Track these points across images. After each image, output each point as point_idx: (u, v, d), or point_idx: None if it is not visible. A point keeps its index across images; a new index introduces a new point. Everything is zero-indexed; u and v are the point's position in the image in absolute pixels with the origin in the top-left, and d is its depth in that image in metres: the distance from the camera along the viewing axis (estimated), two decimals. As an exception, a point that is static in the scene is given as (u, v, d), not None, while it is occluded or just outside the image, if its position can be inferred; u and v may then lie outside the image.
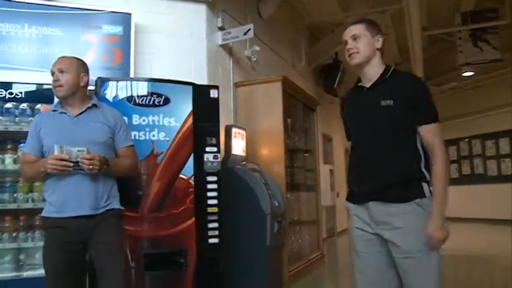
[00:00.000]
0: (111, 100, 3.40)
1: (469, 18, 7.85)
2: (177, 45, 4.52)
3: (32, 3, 3.93)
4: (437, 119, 2.24)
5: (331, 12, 7.74)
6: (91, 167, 2.41)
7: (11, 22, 3.87)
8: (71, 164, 2.40)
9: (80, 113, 2.61)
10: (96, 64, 4.01)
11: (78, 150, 2.41)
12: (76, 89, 2.61)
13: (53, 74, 2.60)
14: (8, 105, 3.45)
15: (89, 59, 3.91)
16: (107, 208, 2.60)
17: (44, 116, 2.73)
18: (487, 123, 11.31)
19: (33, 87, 3.56)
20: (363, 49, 2.29)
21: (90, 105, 2.65)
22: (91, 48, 4.07)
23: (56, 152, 2.40)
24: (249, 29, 4.79)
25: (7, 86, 3.50)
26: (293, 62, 7.45)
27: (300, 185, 6.26)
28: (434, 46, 9.90)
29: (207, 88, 3.78)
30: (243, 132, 4.87)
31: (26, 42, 3.90)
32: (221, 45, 4.99)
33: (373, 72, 2.32)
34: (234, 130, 4.67)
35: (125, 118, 2.95)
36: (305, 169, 6.55)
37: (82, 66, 2.69)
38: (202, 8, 4.69)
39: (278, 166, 5.07)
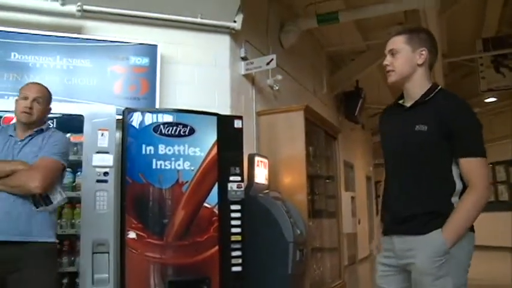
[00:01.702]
0: (137, 130, 3.50)
1: (491, 44, 7.85)
2: (201, 75, 4.62)
3: (63, 37, 4.07)
4: (482, 153, 2.01)
5: (352, 41, 7.84)
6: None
7: (44, 55, 4.01)
8: None
9: (25, 137, 2.59)
10: (123, 94, 4.16)
11: None
12: (41, 119, 2.64)
13: (25, 98, 2.57)
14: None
15: (116, 89, 4.13)
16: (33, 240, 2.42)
17: None
18: (510, 150, 11.20)
19: (62, 117, 3.67)
20: (399, 67, 2.12)
21: (37, 129, 2.62)
22: (118, 79, 4.19)
23: None
24: (272, 59, 4.88)
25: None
26: (314, 89, 7.53)
27: (322, 212, 6.25)
28: (455, 72, 9.91)
29: (231, 118, 3.87)
30: (266, 160, 4.91)
31: (56, 73, 4.02)
32: (244, 75, 5.08)
33: (415, 90, 2.13)
34: (257, 159, 4.72)
35: (67, 136, 3.00)
36: (327, 196, 6.54)
37: (50, 99, 2.71)
38: (226, 39, 4.80)
39: (300, 194, 5.09)
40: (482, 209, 1.99)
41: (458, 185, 2.02)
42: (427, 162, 2.06)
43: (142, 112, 3.59)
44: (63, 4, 4.14)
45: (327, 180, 6.66)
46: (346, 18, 6.13)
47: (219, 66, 4.75)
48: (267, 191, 4.84)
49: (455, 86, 9.99)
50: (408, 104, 2.17)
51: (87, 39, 4.17)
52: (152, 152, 3.47)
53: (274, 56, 4.89)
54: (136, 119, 3.55)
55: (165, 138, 3.52)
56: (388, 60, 2.16)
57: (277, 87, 5.69)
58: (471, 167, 1.99)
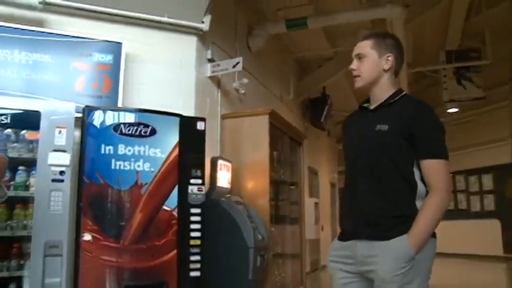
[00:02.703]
0: (97, 128, 3.40)
1: (454, 56, 8.04)
2: (167, 76, 4.54)
3: (23, 29, 3.90)
4: (443, 155, 2.00)
5: (320, 48, 7.87)
6: None
7: (1, 47, 3.82)
8: None
9: None
10: (85, 92, 4.03)
11: None
12: None
13: None
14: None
15: (78, 86, 4.00)
16: None
17: None
18: (470, 159, 11.48)
19: (18, 113, 3.53)
20: (366, 72, 2.12)
21: None
22: (80, 75, 4.06)
23: None
24: (238, 62, 4.83)
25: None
26: (281, 95, 7.52)
27: (285, 218, 6.24)
28: (420, 82, 10.10)
29: (194, 120, 3.80)
30: (229, 164, 4.86)
31: (15, 68, 3.86)
32: (210, 77, 5.01)
33: (381, 95, 2.13)
34: (220, 162, 4.66)
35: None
36: (290, 202, 6.53)
37: None
38: (192, 40, 4.73)
39: (263, 199, 5.05)
40: (444, 212, 1.99)
41: (421, 188, 2.01)
42: (389, 164, 2.02)
43: (103, 110, 3.49)
44: (23, -5, 4.00)
45: (291, 186, 6.65)
46: (315, 24, 6.14)
47: (184, 67, 4.67)
48: (229, 195, 4.79)
49: (420, 95, 10.03)
50: (372, 107, 2.18)
51: (49, 33, 4.01)
52: (111, 151, 3.38)
53: (240, 59, 4.85)
54: (96, 118, 3.45)
55: (125, 138, 3.43)
56: (354, 64, 2.16)
57: (243, 91, 5.65)
58: (432, 169, 1.98)
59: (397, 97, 2.12)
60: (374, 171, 2.06)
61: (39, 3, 4.02)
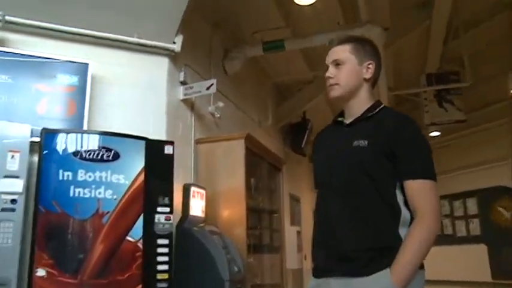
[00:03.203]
0: (55, 152, 3.15)
1: (434, 79, 8.00)
2: (136, 99, 4.31)
3: None
4: (430, 175, 1.77)
5: (299, 71, 7.73)
6: None
7: None
8: None
9: None
10: (48, 115, 3.76)
11: None
12: None
13: None
14: None
15: (40, 109, 3.75)
16: None
17: None
18: (454, 183, 11.36)
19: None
20: (345, 79, 1.89)
21: None
22: (43, 98, 3.81)
23: None
24: (212, 84, 4.63)
25: None
26: (259, 120, 7.33)
27: (264, 247, 5.98)
28: (401, 105, 10.01)
29: (161, 144, 3.56)
30: (203, 191, 4.61)
31: None
32: (183, 100, 4.80)
33: (358, 107, 1.92)
34: (193, 189, 4.41)
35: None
36: (270, 230, 6.29)
37: None
38: (164, 61, 4.53)
39: (239, 228, 4.79)
40: (433, 242, 1.72)
41: (405, 214, 1.76)
42: (369, 185, 1.78)
43: (62, 133, 3.24)
44: (-19, 11, 3.78)
45: (271, 214, 6.41)
46: (292, 46, 5.99)
47: (155, 89, 4.46)
48: (203, 224, 4.53)
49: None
50: (348, 122, 1.96)
51: (9, 52, 3.80)
52: (70, 178, 3.10)
53: (214, 81, 4.64)
54: (54, 141, 3.19)
55: (85, 163, 3.16)
56: (331, 72, 1.93)
57: (218, 115, 5.44)
58: (417, 191, 1.74)
59: (376, 110, 1.91)
60: (350, 194, 1.82)
61: (-1, 21, 3.81)
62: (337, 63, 1.92)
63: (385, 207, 1.77)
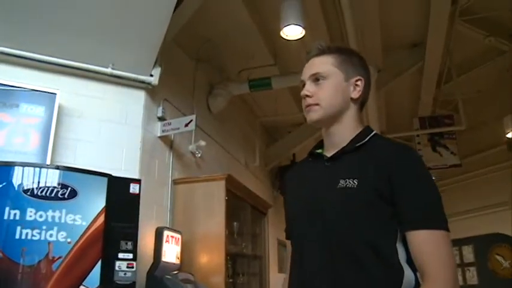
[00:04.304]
0: (3, 188, 2.79)
1: (427, 123, 7.76)
2: (108, 133, 3.99)
3: None
4: (441, 223, 1.35)
5: (288, 112, 7.47)
6: None
7: None
8: None
9: None
10: (7, 147, 3.43)
11: None
12: None
13: None
14: None
15: (-1, 140, 3.43)
16: None
17: None
18: (450, 230, 10.97)
19: None
20: (327, 98, 1.50)
21: None
22: (3, 128, 3.51)
23: None
24: (191, 120, 4.32)
25: None
26: (246, 161, 7.01)
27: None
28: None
29: (126, 181, 3.21)
30: (178, 236, 4.25)
31: None
32: (160, 137, 4.48)
33: (343, 135, 1.52)
34: (166, 233, 4.05)
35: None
36: (253, 278, 5.88)
37: None
38: (140, 95, 4.23)
39: (218, 276, 4.40)
40: None
41: (408, 276, 1.33)
42: (360, 240, 1.35)
43: (11, 167, 2.89)
44: None
45: (257, 260, 6.02)
46: (279, 84, 5.75)
47: (130, 124, 4.14)
48: (176, 271, 4.14)
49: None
50: (330, 154, 1.54)
51: (-33, 79, 3.52)
52: (17, 217, 2.74)
53: (193, 117, 4.34)
54: (3, 174, 2.84)
55: (36, 201, 2.79)
56: (309, 89, 1.53)
57: (199, 155, 5.12)
58: (425, 246, 1.30)
59: (366, 138, 1.50)
60: (335, 251, 1.39)
61: (-41, 46, 3.54)
62: (316, 78, 1.53)
63: (382, 268, 1.33)
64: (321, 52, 1.57)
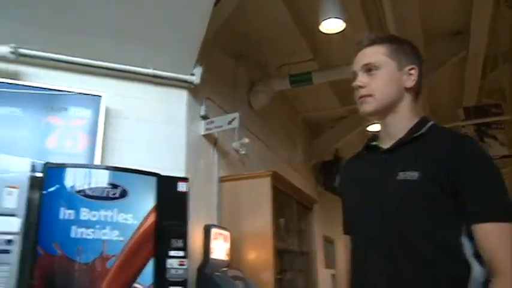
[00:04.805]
0: (56, 189, 2.87)
1: (472, 113, 7.47)
2: (153, 133, 4.04)
3: None
4: (508, 215, 1.27)
5: (329, 107, 7.40)
6: None
7: None
8: None
9: None
10: (58, 149, 3.53)
11: None
12: None
13: None
14: None
15: (50, 143, 3.51)
16: None
17: None
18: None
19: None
20: (381, 89, 1.46)
21: None
22: (53, 131, 3.59)
23: None
24: (234, 118, 4.32)
25: None
26: (289, 157, 6.98)
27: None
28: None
29: (174, 180, 3.24)
30: (226, 233, 4.27)
31: None
32: (204, 136, 4.51)
33: (399, 125, 1.48)
34: (214, 231, 4.08)
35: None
36: (301, 274, 5.86)
37: None
38: (183, 94, 4.27)
39: (266, 272, 4.40)
40: None
41: (477, 271, 1.28)
42: (423, 234, 1.32)
43: (66, 168, 2.96)
44: (-6, 44, 3.63)
45: (304, 256, 5.99)
46: (320, 79, 5.69)
47: (174, 124, 4.18)
48: (225, 268, 4.16)
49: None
50: (386, 146, 1.51)
51: (19, 85, 3.62)
52: (72, 216, 2.81)
53: (236, 115, 4.34)
54: (57, 177, 2.91)
55: (89, 201, 2.85)
56: (362, 80, 1.50)
57: (243, 152, 5.12)
58: (491, 239, 1.25)
59: (424, 128, 1.44)
60: (396, 246, 1.35)
61: (11, 53, 3.64)
62: (368, 69, 1.49)
63: (447, 263, 1.29)
64: (372, 42, 1.53)
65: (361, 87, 1.50)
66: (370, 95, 1.48)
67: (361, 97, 1.51)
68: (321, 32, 4.80)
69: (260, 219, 4.50)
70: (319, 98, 7.10)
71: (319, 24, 4.61)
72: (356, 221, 1.54)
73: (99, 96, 3.76)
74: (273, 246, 4.47)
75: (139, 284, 2.88)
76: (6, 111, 3.52)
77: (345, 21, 4.52)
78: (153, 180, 3.10)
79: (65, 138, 3.61)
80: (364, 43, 1.55)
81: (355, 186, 1.58)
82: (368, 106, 1.49)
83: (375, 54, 1.50)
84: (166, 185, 3.13)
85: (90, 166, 3.15)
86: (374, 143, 1.58)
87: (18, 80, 3.72)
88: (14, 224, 2.67)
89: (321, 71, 5.73)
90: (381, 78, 1.47)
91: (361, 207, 1.50)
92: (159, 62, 4.05)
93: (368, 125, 7.65)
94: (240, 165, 5.23)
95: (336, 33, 4.80)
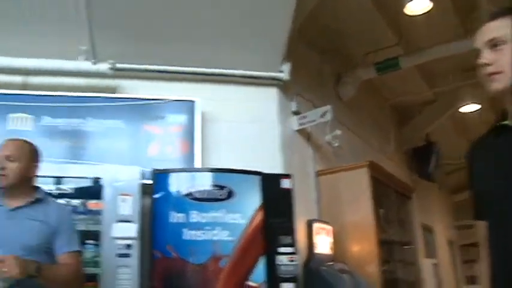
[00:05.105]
0: (166, 194, 2.98)
1: None
2: (248, 133, 4.08)
3: (94, 97, 3.78)
4: None
5: (417, 90, 7.14)
6: (5, 270, 1.81)
7: (76, 117, 3.71)
8: None
9: (18, 207, 2.15)
10: (159, 156, 3.69)
11: None
12: (23, 179, 2.19)
13: None
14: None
15: (151, 151, 3.66)
16: None
17: None
18: None
19: (87, 183, 3.20)
20: (510, 65, 1.34)
21: (33, 199, 2.19)
22: (154, 139, 3.75)
23: None
24: (327, 111, 4.28)
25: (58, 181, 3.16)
26: (380, 146, 6.81)
27: (399, 284, 5.38)
28: None
29: (277, 177, 3.25)
30: (328, 227, 4.23)
31: (88, 136, 3.68)
32: (297, 131, 4.50)
33: None
34: (316, 225, 4.06)
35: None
36: (404, 265, 5.69)
37: (34, 154, 2.29)
38: (273, 92, 4.29)
39: (371, 264, 4.32)
40: None
41: None
42: None
43: (172, 173, 3.07)
44: (95, 63, 3.84)
45: (404, 247, 5.82)
46: (408, 63, 5.51)
47: (267, 122, 4.21)
48: (331, 262, 4.12)
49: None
50: None
51: (119, 98, 3.82)
52: (183, 219, 2.90)
53: (329, 108, 4.30)
54: (165, 182, 3.03)
55: (198, 203, 2.95)
56: (488, 57, 1.37)
57: (336, 144, 5.05)
58: None
59: None
60: None
61: (110, 69, 3.84)
62: (494, 44, 1.36)
63: None
64: (495, 16, 1.40)
65: (487, 64, 1.37)
66: (499, 72, 1.35)
67: (488, 75, 1.38)
68: (406, 14, 4.64)
69: (360, 210, 4.42)
70: (407, 83, 6.86)
71: (403, 7, 4.46)
72: (496, 205, 1.41)
73: (192, 101, 3.86)
74: (376, 237, 4.37)
75: (252, 281, 2.93)
76: (109, 124, 3.73)
77: (431, 0, 4.34)
78: (257, 179, 3.14)
79: (164, 145, 3.75)
80: (490, 17, 1.42)
81: (488, 169, 1.46)
82: (498, 84, 1.36)
83: (500, 28, 1.37)
84: (270, 183, 3.16)
85: (195, 170, 3.24)
86: (505, 123, 1.44)
87: (117, 93, 3.92)
88: (131, 230, 2.81)
89: (408, 55, 5.54)
90: (509, 52, 1.34)
91: (499, 190, 1.38)
92: (248, 62, 4.09)
93: (460, 107, 7.34)
94: (333, 157, 5.17)
95: (422, 14, 4.62)
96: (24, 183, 2.20)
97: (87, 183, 3.09)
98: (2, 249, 1.93)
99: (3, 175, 2.14)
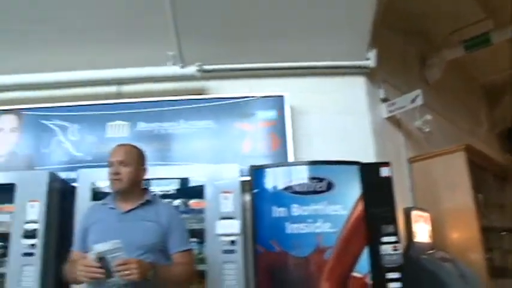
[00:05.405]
0: (265, 189, 3.02)
1: None
2: (337, 123, 4.06)
3: (185, 100, 3.93)
4: None
5: (509, 67, 6.75)
6: (127, 272, 1.89)
7: (168, 120, 3.89)
8: (103, 275, 1.91)
9: (130, 210, 2.24)
10: (253, 153, 3.78)
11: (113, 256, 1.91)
12: (135, 183, 2.29)
13: (111, 164, 2.28)
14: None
15: (245, 148, 3.74)
16: None
17: (93, 210, 2.38)
18: None
19: (185, 182, 3.35)
20: None
21: (143, 201, 2.28)
22: (246, 136, 3.84)
23: (90, 257, 1.94)
24: (417, 96, 4.16)
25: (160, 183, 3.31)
26: (471, 128, 6.52)
27: (507, 271, 5.13)
28: None
29: (376, 166, 3.20)
30: (426, 214, 4.12)
31: (181, 138, 3.84)
32: (387, 119, 4.41)
33: None
34: (414, 213, 3.96)
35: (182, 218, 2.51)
36: (507, 252, 5.42)
37: (142, 158, 2.39)
38: (360, 81, 4.23)
39: (474, 252, 4.14)
40: None
41: None
42: None
43: (270, 168, 3.11)
44: (182, 67, 3.96)
45: (504, 233, 5.54)
46: (500, 37, 5.19)
47: (356, 111, 4.16)
48: (431, 251, 4.00)
49: None
50: None
51: (208, 99, 3.95)
52: (284, 213, 2.93)
53: (419, 92, 4.17)
54: (263, 177, 3.07)
55: (298, 197, 2.96)
56: None
57: (427, 129, 4.89)
58: None
59: None
60: None
61: (197, 71, 3.96)
62: None
63: None
64: None
65: None
66: None
67: None
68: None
69: (459, 196, 4.25)
70: (497, 59, 6.49)
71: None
72: None
73: (281, 96, 3.88)
74: (477, 223, 4.19)
75: (357, 272, 2.90)
76: (201, 125, 3.85)
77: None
78: (355, 168, 3.10)
79: (256, 141, 3.81)
80: None
81: None
82: None
83: None
84: (369, 172, 3.12)
85: (292, 163, 3.27)
86: None
87: (206, 94, 4.02)
88: (235, 226, 2.88)
89: (499, 29, 5.23)
90: None
91: None
92: (333, 53, 4.06)
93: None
94: (424, 143, 5.01)
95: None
96: (135, 187, 2.31)
97: (188, 183, 3.22)
98: None
99: (118, 179, 2.25)
